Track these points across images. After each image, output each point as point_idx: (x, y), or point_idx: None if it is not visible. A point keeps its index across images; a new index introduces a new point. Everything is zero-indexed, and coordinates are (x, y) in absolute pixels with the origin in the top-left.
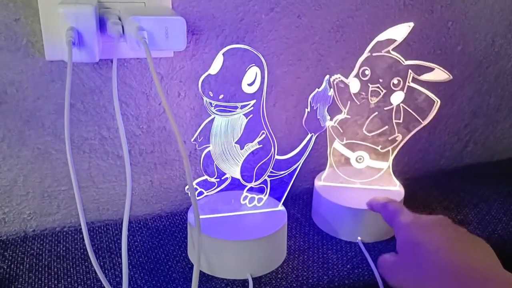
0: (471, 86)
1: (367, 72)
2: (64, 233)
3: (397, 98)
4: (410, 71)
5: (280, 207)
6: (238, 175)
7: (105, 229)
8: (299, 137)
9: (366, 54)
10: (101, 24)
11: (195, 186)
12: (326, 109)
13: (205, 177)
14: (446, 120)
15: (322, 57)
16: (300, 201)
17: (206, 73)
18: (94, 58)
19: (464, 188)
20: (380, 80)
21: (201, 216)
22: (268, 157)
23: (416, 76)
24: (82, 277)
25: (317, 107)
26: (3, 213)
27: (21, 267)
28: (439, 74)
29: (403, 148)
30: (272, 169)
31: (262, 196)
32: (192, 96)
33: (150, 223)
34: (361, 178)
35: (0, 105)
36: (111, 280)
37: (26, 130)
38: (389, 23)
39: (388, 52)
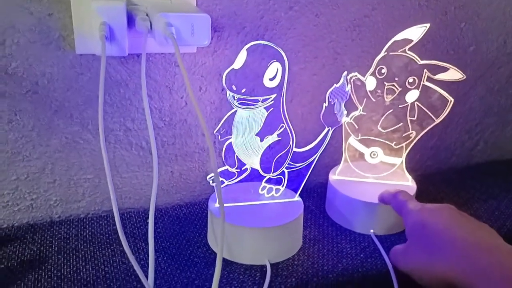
0: (483, 86)
1: (383, 70)
2: (89, 219)
3: (412, 96)
4: (425, 70)
5: (297, 198)
6: (257, 166)
7: (128, 216)
8: (314, 132)
9: (383, 53)
10: (129, 20)
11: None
12: (343, 104)
13: (226, 167)
14: (457, 119)
15: (338, 55)
16: (314, 194)
17: (230, 68)
18: (124, 52)
19: (474, 185)
20: (396, 79)
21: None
22: (287, 149)
23: (431, 76)
24: (108, 259)
25: (334, 102)
26: (31, 199)
27: (50, 249)
28: (453, 74)
29: (415, 145)
30: (290, 161)
31: (279, 187)
32: (212, 91)
33: (170, 212)
34: (375, 173)
35: (31, 95)
36: (136, 263)
37: (55, 120)
38: (404, 23)
39: (404, 51)
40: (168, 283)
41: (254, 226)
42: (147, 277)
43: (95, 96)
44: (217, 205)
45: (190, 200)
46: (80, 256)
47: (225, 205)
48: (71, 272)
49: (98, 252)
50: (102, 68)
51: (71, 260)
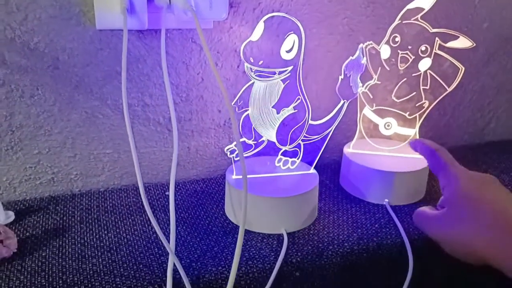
0: (496, 63)
1: (397, 39)
2: (110, 192)
3: (424, 64)
4: (437, 38)
5: (312, 170)
6: (274, 138)
7: (147, 189)
8: (329, 109)
9: (396, 21)
10: None
11: (234, 147)
12: (358, 77)
13: (243, 139)
14: (470, 96)
15: (353, 32)
16: (329, 170)
17: (248, 40)
18: (144, 25)
19: (486, 161)
20: (409, 47)
21: (239, 177)
22: (303, 122)
23: (442, 43)
24: (130, 228)
25: (350, 75)
26: (53, 172)
27: (73, 219)
28: (463, 42)
29: (428, 123)
30: (306, 133)
31: (295, 159)
32: (228, 67)
33: (188, 186)
34: (389, 146)
35: (52, 70)
36: (156, 232)
37: (75, 95)
38: None
39: (417, 20)
40: (188, 250)
41: (271, 196)
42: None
43: (114, 71)
44: (235, 176)
45: (206, 176)
46: (102, 225)
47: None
48: (94, 240)
49: (119, 222)
50: (124, 40)
51: (93, 229)
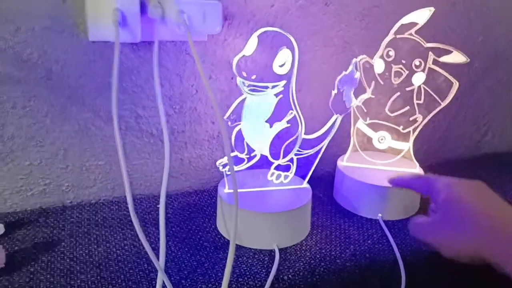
0: (491, 77)
1: (391, 53)
2: (101, 204)
3: (418, 79)
4: (430, 53)
5: (305, 184)
6: (266, 152)
7: (138, 202)
8: (323, 122)
9: (390, 36)
10: (142, 7)
11: (225, 161)
12: (352, 92)
13: (236, 153)
14: (465, 109)
15: (347, 44)
16: (322, 183)
17: (241, 54)
18: (137, 38)
19: (481, 174)
20: (403, 61)
21: (231, 191)
22: (296, 136)
23: (436, 58)
24: (120, 243)
25: (343, 89)
26: (44, 184)
27: (63, 232)
28: (457, 57)
29: (423, 136)
30: (299, 148)
31: (288, 173)
32: (222, 79)
33: (180, 198)
34: (382, 160)
35: (45, 81)
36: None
37: (68, 106)
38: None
39: (411, 34)
40: (178, 266)
41: (263, 211)
42: (158, 259)
43: (107, 83)
44: (227, 190)
45: (199, 187)
46: (92, 239)
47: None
48: (83, 255)
49: (109, 236)
50: (116, 53)
51: (83, 243)
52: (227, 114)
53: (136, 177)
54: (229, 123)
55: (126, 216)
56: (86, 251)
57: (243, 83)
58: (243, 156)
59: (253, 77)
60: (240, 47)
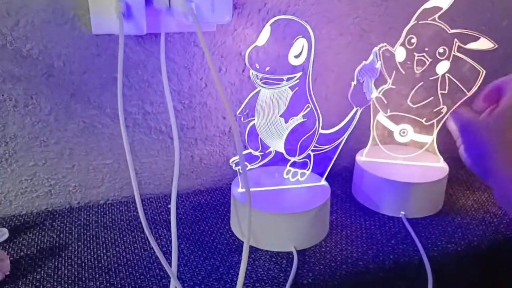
0: None
1: (413, 40)
2: (109, 205)
3: (442, 67)
4: (455, 39)
5: (323, 182)
6: (282, 149)
7: (148, 202)
8: (338, 115)
9: (412, 22)
10: None
11: (238, 159)
12: (372, 82)
13: (249, 150)
14: None
15: (365, 32)
16: (339, 178)
17: (253, 45)
18: (142, 30)
19: None
20: (426, 49)
21: (241, 190)
22: (312, 131)
23: (461, 45)
24: (129, 246)
25: (363, 80)
26: (50, 185)
27: (70, 236)
28: (484, 43)
29: (443, 126)
30: (316, 143)
31: (305, 171)
32: (233, 72)
33: (191, 197)
34: (404, 154)
35: (47, 78)
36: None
37: (72, 104)
38: None
39: (434, 20)
40: (191, 271)
41: (280, 212)
42: (170, 264)
43: (112, 78)
44: (240, 190)
45: (210, 185)
46: (101, 243)
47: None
48: (92, 260)
49: (119, 239)
50: (120, 46)
51: (91, 247)
52: (240, 109)
53: (145, 176)
54: (242, 118)
55: (136, 217)
56: (95, 256)
57: (256, 75)
58: (257, 153)
59: (267, 69)
60: (251, 38)
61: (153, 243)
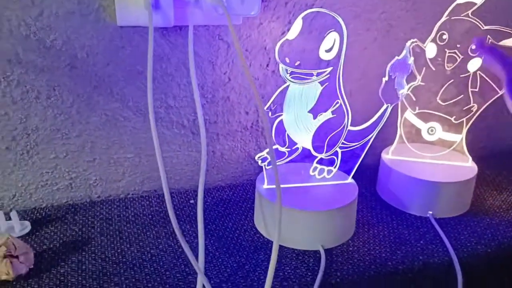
0: None
1: (444, 36)
2: (130, 200)
3: (474, 64)
4: (488, 36)
5: (350, 180)
6: (309, 145)
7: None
8: (363, 111)
9: (444, 17)
10: None
11: (265, 155)
12: (404, 79)
13: (276, 146)
14: None
15: (391, 28)
16: (363, 176)
17: (284, 38)
18: (170, 22)
19: None
20: (458, 46)
21: (272, 186)
22: (341, 127)
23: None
24: (153, 241)
25: (395, 76)
26: (70, 178)
27: (92, 230)
28: None
29: (473, 125)
30: (344, 140)
31: (332, 168)
32: (257, 66)
33: (213, 193)
34: (431, 153)
35: (70, 69)
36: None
37: (94, 96)
38: None
39: (467, 16)
40: (217, 267)
41: (308, 209)
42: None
43: (136, 71)
44: (266, 186)
45: (231, 181)
46: (124, 238)
47: (274, 186)
48: (116, 254)
49: (142, 234)
50: (150, 39)
51: (114, 242)
52: (268, 104)
53: (166, 170)
54: (270, 113)
55: (158, 212)
56: (119, 250)
57: (286, 70)
58: (283, 149)
59: (297, 63)
60: (277, 31)
61: (182, 240)
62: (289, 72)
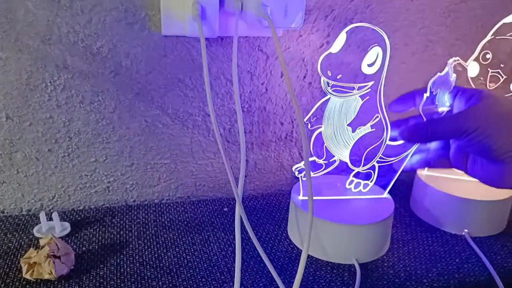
0: None
1: (488, 56)
2: (165, 205)
3: None
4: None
5: (386, 195)
6: (346, 159)
7: (204, 204)
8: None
9: (489, 36)
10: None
11: (302, 166)
12: (445, 96)
13: (313, 158)
14: None
15: (430, 43)
16: (397, 192)
17: (327, 52)
18: (215, 33)
19: None
20: (502, 65)
21: (306, 198)
22: (379, 141)
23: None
24: (189, 247)
25: (436, 92)
26: (108, 182)
27: (130, 234)
28: None
29: None
30: (382, 154)
31: (368, 182)
32: (294, 78)
33: (246, 202)
34: None
35: (114, 76)
36: (217, 253)
37: (136, 103)
38: (504, 10)
39: None
40: (252, 278)
41: (343, 223)
42: (229, 269)
43: (176, 79)
44: (302, 197)
45: (263, 191)
46: (161, 243)
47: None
48: (153, 259)
49: (178, 239)
50: (203, 48)
51: (151, 247)
52: (308, 116)
53: (199, 178)
54: (309, 125)
55: (193, 219)
56: (155, 255)
57: (327, 83)
58: (321, 161)
59: (339, 77)
60: (315, 44)
61: (238, 245)
62: (330, 85)
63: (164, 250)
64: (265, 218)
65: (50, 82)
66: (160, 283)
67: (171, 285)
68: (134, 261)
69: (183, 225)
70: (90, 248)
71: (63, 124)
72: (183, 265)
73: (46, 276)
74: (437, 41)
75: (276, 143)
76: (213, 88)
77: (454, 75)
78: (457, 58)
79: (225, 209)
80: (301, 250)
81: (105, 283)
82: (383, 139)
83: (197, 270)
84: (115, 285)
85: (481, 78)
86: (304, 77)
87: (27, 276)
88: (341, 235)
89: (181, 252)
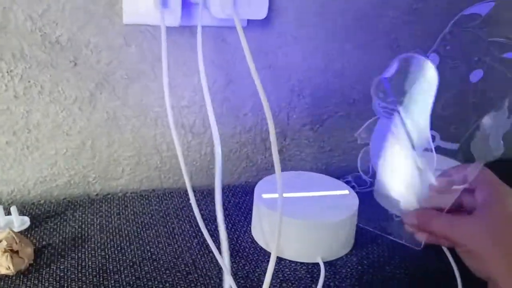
0: None
1: (448, 47)
2: (129, 198)
3: None
4: None
5: (350, 192)
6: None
7: (168, 196)
8: None
9: (449, 28)
10: None
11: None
12: (501, 136)
13: (360, 173)
14: None
15: None
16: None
17: (382, 75)
18: (177, 22)
19: None
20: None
21: (266, 195)
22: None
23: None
24: (153, 240)
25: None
26: (69, 175)
27: (92, 227)
28: None
29: None
30: None
31: None
32: (259, 68)
33: (213, 194)
34: None
35: (74, 66)
36: (182, 246)
37: (97, 94)
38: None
39: None
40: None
41: (307, 220)
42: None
43: (139, 70)
44: (266, 195)
45: (229, 183)
46: (124, 235)
47: (268, 195)
48: (116, 252)
49: (142, 232)
50: (163, 36)
51: (114, 240)
52: (359, 131)
53: (164, 170)
54: (358, 140)
55: (157, 211)
56: (118, 248)
57: (378, 104)
58: (366, 178)
59: (389, 100)
60: (281, 34)
61: (208, 237)
62: (381, 106)
63: (127, 243)
64: (231, 209)
65: (7, 72)
66: (123, 276)
67: (134, 277)
68: (96, 255)
69: (147, 217)
70: (51, 242)
71: (22, 116)
72: (147, 257)
73: (4, 271)
74: None
75: (241, 135)
76: (175, 78)
77: None
78: None
79: (190, 202)
80: (264, 249)
81: (65, 277)
82: None
83: (161, 262)
84: (76, 279)
85: None
86: (270, 67)
87: None
88: (305, 233)
89: (144, 244)
